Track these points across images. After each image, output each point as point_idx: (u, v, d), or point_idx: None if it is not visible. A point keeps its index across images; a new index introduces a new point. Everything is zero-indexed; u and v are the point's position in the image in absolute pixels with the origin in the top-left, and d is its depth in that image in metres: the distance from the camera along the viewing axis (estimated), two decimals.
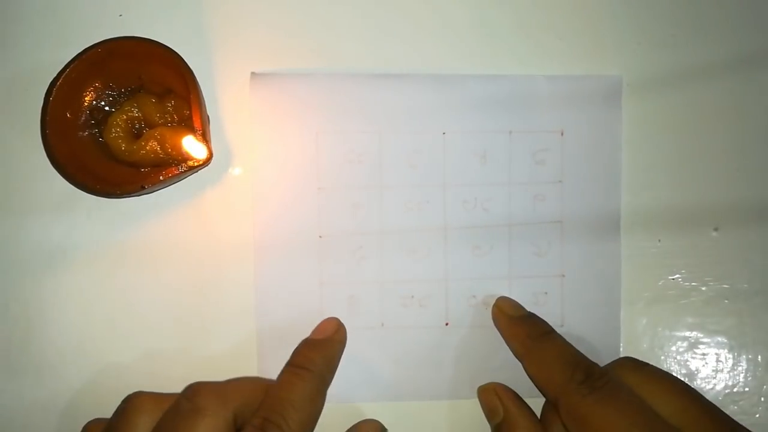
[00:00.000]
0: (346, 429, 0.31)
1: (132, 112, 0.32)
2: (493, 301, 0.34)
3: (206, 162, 0.31)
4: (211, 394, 0.27)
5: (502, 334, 0.33)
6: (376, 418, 0.33)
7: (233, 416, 0.27)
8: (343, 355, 0.33)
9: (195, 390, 0.28)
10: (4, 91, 0.33)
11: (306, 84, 0.34)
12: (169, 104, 0.32)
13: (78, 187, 0.31)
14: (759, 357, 0.35)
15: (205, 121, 0.31)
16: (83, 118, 0.32)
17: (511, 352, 0.33)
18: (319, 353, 0.31)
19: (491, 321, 0.34)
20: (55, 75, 0.31)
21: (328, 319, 0.33)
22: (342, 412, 0.34)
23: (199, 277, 0.34)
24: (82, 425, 0.30)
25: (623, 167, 0.35)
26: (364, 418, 0.33)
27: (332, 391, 0.32)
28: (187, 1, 0.34)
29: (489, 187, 0.34)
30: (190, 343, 0.34)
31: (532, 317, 0.33)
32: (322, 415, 0.30)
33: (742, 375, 0.35)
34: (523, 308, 0.33)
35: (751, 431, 0.26)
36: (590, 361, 0.29)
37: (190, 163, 0.31)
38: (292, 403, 0.28)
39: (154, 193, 0.33)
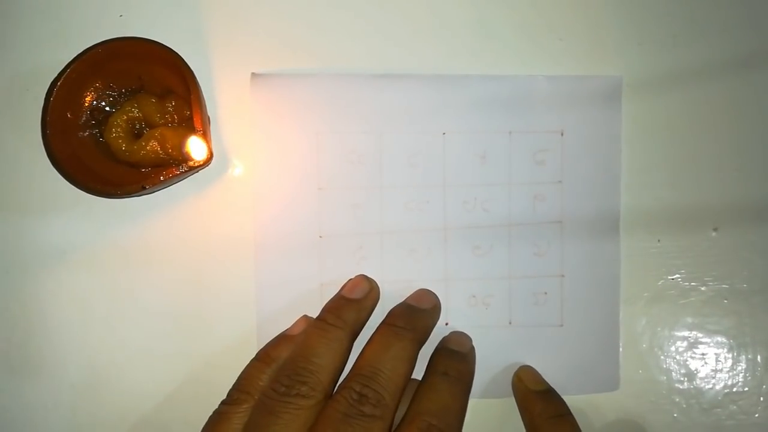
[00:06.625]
0: None
1: (132, 112, 0.32)
2: (492, 303, 0.34)
3: (207, 162, 0.31)
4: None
5: (517, 403, 0.33)
6: None
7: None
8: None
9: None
10: (5, 91, 0.33)
11: (306, 84, 0.34)
12: (170, 104, 0.32)
13: (78, 188, 0.31)
14: (758, 357, 0.35)
15: (205, 121, 0.31)
16: (84, 119, 0.32)
17: (511, 356, 0.33)
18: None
19: (491, 321, 0.34)
20: (55, 75, 0.31)
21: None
22: None
23: (199, 277, 0.34)
24: (83, 425, 0.30)
25: (623, 167, 0.35)
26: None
27: None
28: (188, 2, 0.34)
29: (489, 188, 0.34)
30: (190, 343, 0.34)
31: (551, 394, 0.32)
32: None
33: (741, 375, 0.35)
34: (544, 382, 0.33)
35: None
36: None
37: (191, 163, 0.31)
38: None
39: (155, 193, 0.33)
